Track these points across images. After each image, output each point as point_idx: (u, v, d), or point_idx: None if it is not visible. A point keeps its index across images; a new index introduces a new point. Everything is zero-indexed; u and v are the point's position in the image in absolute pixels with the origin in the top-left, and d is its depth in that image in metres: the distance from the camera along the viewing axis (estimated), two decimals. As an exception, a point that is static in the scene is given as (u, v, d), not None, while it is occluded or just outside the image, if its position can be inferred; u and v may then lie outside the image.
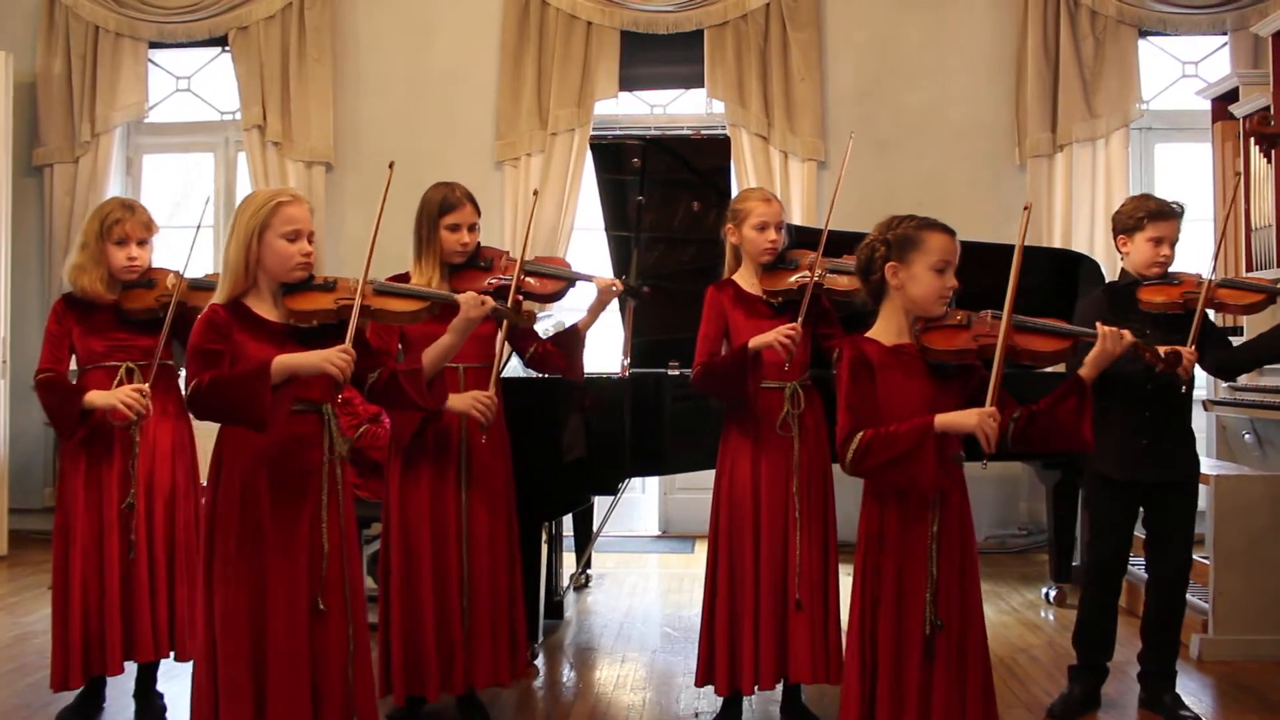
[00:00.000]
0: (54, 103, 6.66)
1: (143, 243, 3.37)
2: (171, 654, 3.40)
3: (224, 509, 2.57)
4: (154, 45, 6.76)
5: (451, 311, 2.95)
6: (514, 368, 4.25)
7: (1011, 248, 2.54)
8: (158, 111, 6.95)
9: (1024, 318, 2.63)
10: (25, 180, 6.61)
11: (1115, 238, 3.49)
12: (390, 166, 2.81)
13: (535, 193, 3.63)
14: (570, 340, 3.53)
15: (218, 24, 6.64)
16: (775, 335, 3.15)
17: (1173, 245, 3.40)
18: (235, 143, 6.85)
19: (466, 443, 3.32)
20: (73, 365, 3.40)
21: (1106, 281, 3.82)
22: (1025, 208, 2.62)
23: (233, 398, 2.47)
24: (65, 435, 3.31)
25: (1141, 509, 3.49)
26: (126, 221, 3.33)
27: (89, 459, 3.33)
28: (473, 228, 3.36)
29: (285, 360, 2.51)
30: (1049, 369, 3.31)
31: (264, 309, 2.64)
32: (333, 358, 2.52)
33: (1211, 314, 3.52)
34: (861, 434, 2.45)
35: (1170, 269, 3.40)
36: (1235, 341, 3.68)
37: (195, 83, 6.97)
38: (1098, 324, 2.65)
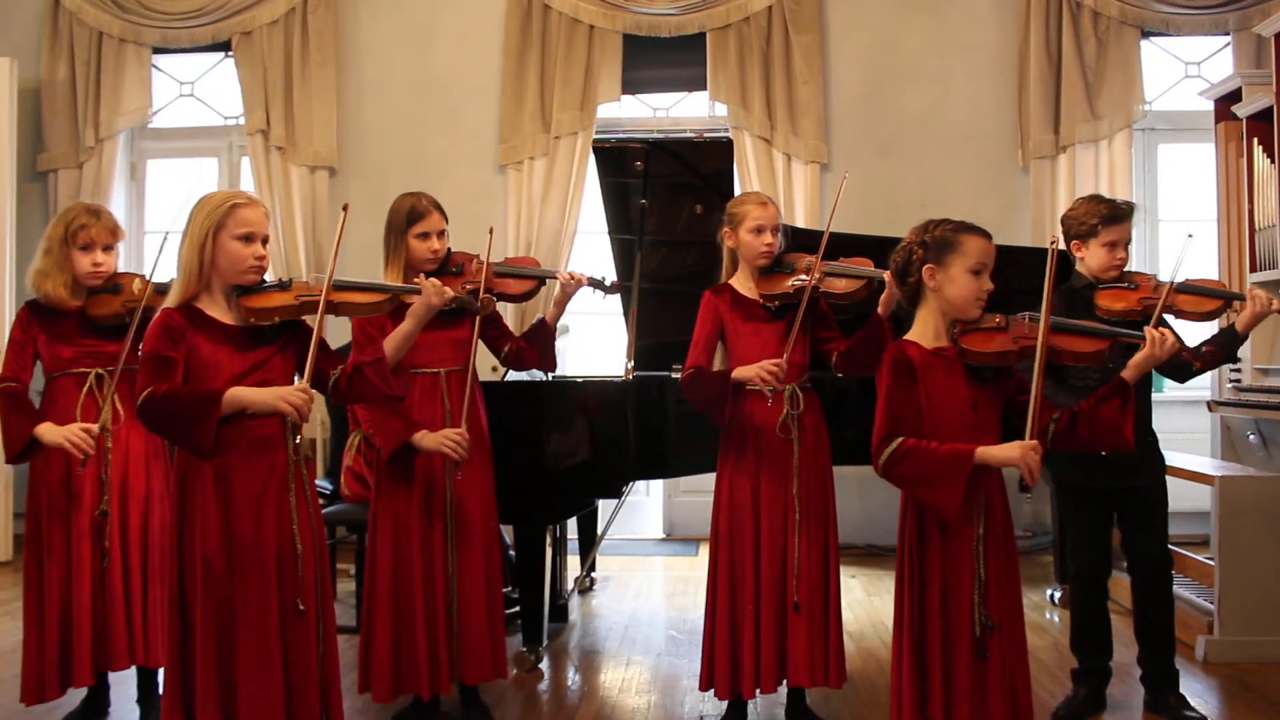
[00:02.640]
0: (58, 108, 6.68)
1: (108, 248, 3.35)
2: (145, 661, 3.36)
3: (190, 514, 2.57)
4: (157, 50, 6.78)
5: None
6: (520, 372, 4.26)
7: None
8: (161, 117, 6.97)
9: (1062, 319, 2.65)
10: (29, 185, 6.63)
11: (1069, 243, 3.46)
12: (344, 209, 2.85)
13: (490, 231, 3.69)
14: (539, 334, 3.61)
15: (221, 29, 6.66)
16: (758, 370, 3.17)
17: (1126, 246, 3.40)
18: (239, 148, 6.87)
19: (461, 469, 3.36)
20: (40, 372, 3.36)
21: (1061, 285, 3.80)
22: (1052, 241, 2.64)
23: (180, 419, 2.49)
24: (9, 457, 3.24)
25: (1115, 513, 3.49)
26: (92, 227, 3.31)
27: (61, 465, 3.28)
28: (441, 234, 3.42)
29: (239, 394, 2.52)
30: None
31: (217, 312, 2.64)
32: (288, 395, 2.53)
33: (1170, 319, 3.50)
34: (901, 440, 2.46)
35: (1126, 269, 3.40)
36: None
37: (199, 88, 6.99)
38: (1146, 329, 2.65)
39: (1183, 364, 3.29)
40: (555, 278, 3.61)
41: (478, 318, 3.27)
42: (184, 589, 2.58)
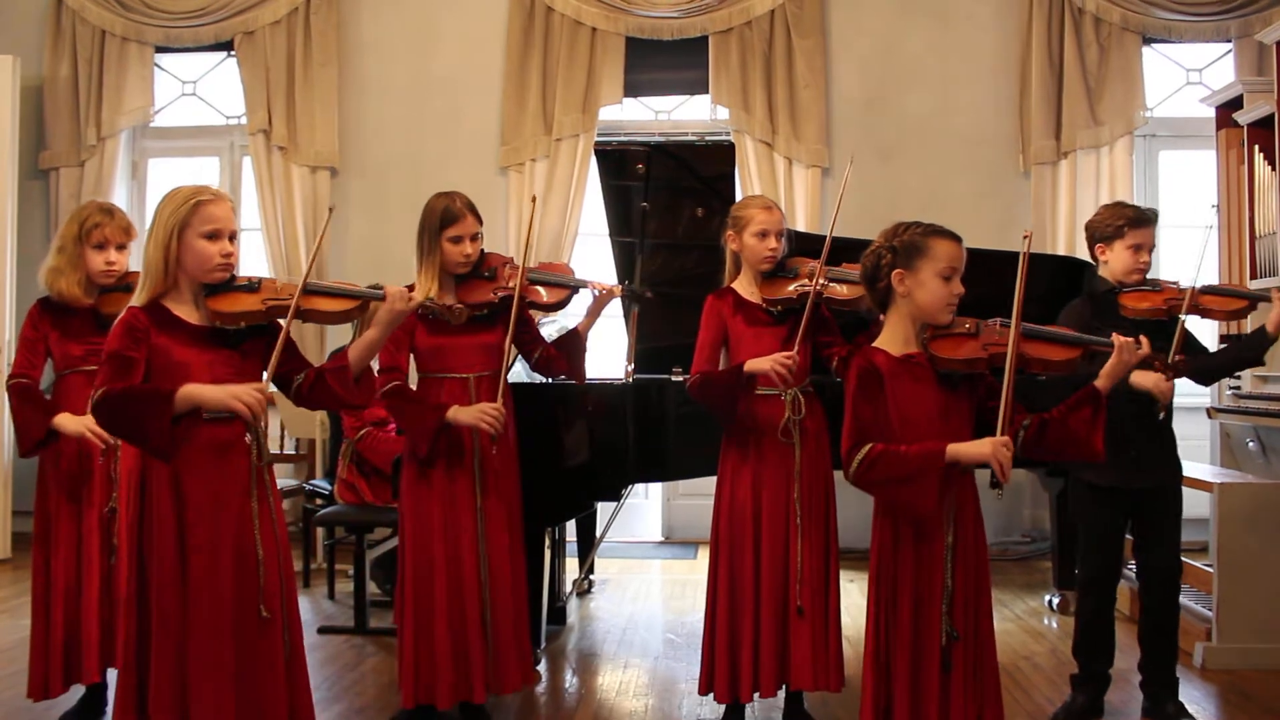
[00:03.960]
0: (60, 106, 6.68)
1: (121, 247, 3.35)
2: None
3: (148, 516, 2.54)
4: (160, 50, 6.78)
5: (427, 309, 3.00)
6: (518, 373, 4.26)
7: (1016, 255, 2.53)
8: (163, 116, 6.97)
9: (1034, 326, 2.61)
10: (31, 183, 6.63)
11: (1093, 246, 3.50)
12: (330, 210, 2.83)
13: (534, 199, 3.70)
14: (571, 343, 3.55)
15: (224, 29, 6.66)
16: (772, 363, 3.15)
17: (1150, 251, 3.42)
18: (240, 147, 6.87)
19: (479, 451, 3.32)
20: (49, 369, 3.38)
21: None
22: (1025, 236, 2.61)
23: (133, 418, 2.42)
24: (24, 450, 3.24)
25: (1130, 517, 3.50)
26: (105, 226, 3.32)
27: (69, 463, 3.30)
28: (475, 238, 3.36)
29: (191, 391, 2.46)
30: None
31: (185, 311, 2.58)
32: (242, 394, 2.47)
33: (1195, 320, 3.52)
34: (870, 446, 2.42)
35: (1148, 274, 3.42)
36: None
37: (201, 87, 6.99)
38: (1114, 335, 2.61)
39: (1196, 370, 3.31)
40: (588, 287, 3.52)
41: (512, 321, 3.24)
42: (142, 592, 2.54)
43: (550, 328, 4.74)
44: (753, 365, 3.20)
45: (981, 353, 2.51)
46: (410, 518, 3.32)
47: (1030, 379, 2.58)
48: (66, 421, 3.18)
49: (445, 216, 3.30)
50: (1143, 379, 3.08)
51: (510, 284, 3.32)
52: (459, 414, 3.20)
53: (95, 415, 2.46)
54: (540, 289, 3.45)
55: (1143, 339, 2.61)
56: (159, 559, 2.51)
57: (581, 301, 3.67)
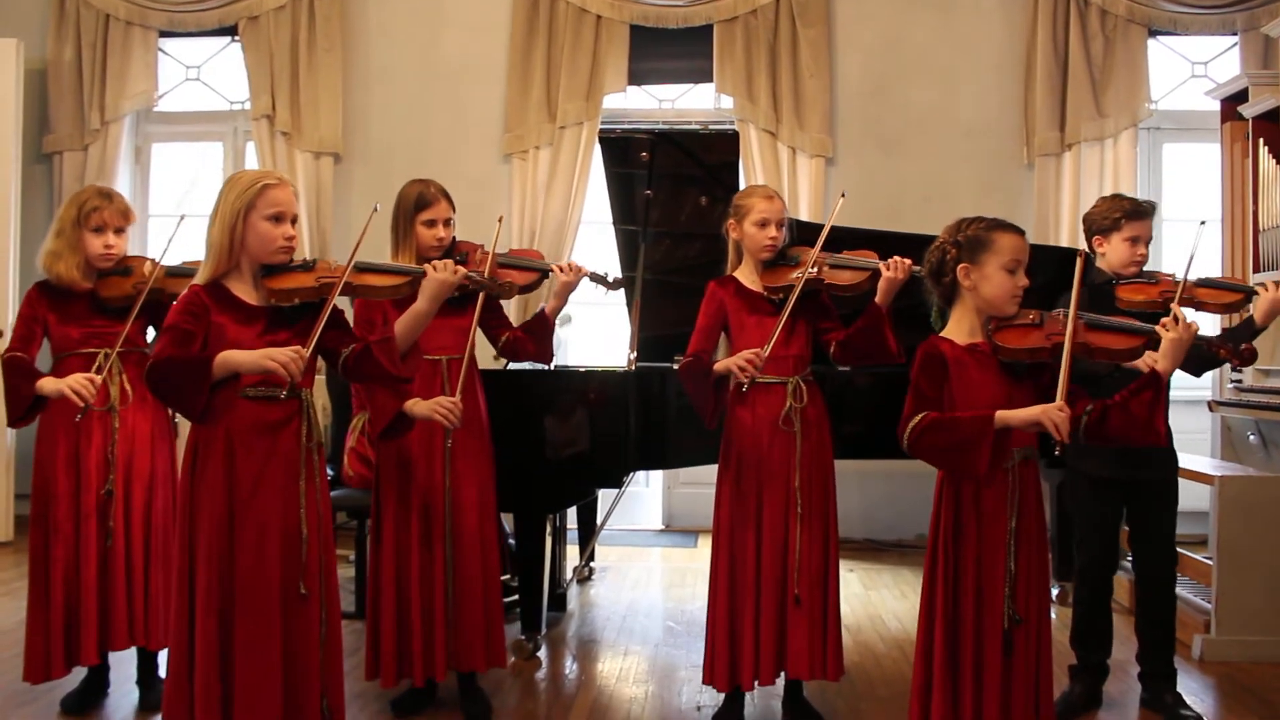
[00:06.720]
0: (64, 90, 6.67)
1: (120, 231, 3.37)
2: (146, 642, 3.40)
3: (199, 494, 2.59)
4: (164, 34, 6.77)
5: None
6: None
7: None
8: (167, 100, 6.96)
9: (1098, 317, 2.66)
10: (34, 167, 6.63)
11: (1090, 239, 3.51)
12: (375, 209, 2.91)
13: (500, 219, 3.71)
14: (538, 326, 3.58)
15: (228, 13, 6.65)
16: (735, 360, 3.17)
17: (1147, 243, 3.44)
18: (244, 132, 6.86)
19: (451, 436, 3.34)
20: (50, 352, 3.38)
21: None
22: (1080, 255, 2.65)
23: (173, 382, 2.52)
24: (13, 420, 3.27)
25: (1125, 508, 3.51)
26: (104, 209, 3.33)
27: (67, 445, 3.31)
28: (448, 223, 3.43)
29: (227, 356, 2.53)
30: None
31: (244, 291, 2.67)
32: (276, 354, 2.51)
33: (1191, 313, 3.52)
34: (924, 415, 2.50)
35: (1145, 267, 3.43)
36: None
37: (205, 72, 6.99)
38: (1165, 319, 2.63)
39: (1209, 356, 3.30)
40: (554, 270, 3.56)
41: (478, 305, 3.26)
42: (192, 570, 2.60)
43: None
44: (719, 366, 3.24)
45: (1045, 342, 2.57)
46: (389, 503, 3.36)
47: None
48: (47, 384, 3.18)
49: (420, 201, 3.39)
50: None
51: (480, 268, 3.34)
52: (415, 406, 3.15)
53: (147, 382, 2.56)
54: (510, 272, 3.49)
55: (1193, 323, 2.63)
56: (208, 535, 2.57)
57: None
